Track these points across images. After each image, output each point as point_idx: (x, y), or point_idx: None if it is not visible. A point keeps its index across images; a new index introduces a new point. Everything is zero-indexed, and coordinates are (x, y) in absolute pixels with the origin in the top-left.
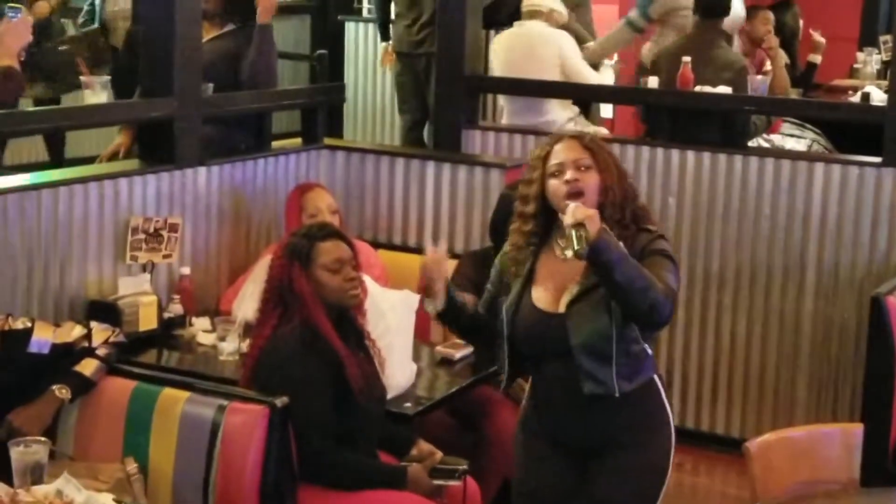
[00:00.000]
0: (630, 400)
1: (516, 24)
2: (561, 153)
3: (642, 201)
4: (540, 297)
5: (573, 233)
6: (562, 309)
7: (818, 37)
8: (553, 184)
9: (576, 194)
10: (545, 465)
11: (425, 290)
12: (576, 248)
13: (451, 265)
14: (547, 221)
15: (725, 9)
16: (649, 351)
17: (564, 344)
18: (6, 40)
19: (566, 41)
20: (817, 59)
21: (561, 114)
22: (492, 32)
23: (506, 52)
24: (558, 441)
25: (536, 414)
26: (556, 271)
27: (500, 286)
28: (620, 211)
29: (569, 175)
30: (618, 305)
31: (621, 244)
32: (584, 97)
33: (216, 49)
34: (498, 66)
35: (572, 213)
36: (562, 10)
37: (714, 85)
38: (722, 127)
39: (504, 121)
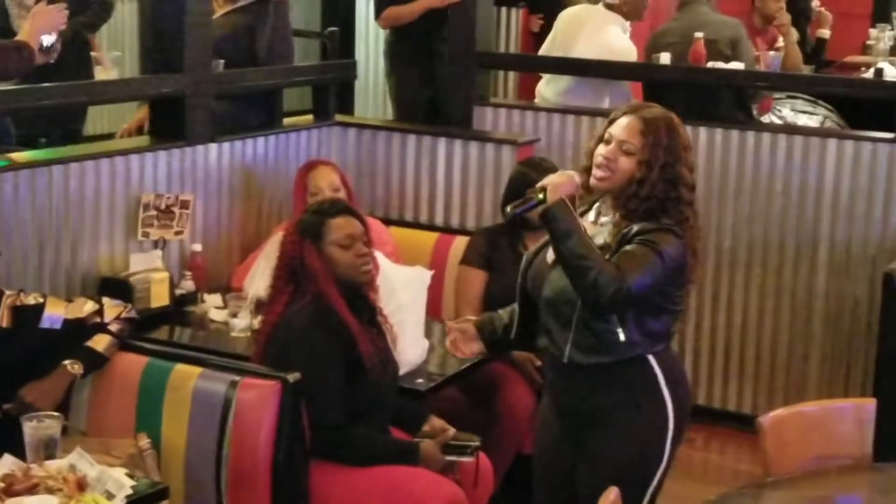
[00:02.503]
0: (611, 372)
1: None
2: (618, 127)
3: (690, 201)
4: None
5: (529, 193)
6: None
7: (823, 10)
8: (598, 148)
9: (602, 168)
10: (549, 429)
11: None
12: (514, 202)
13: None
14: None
15: None
16: (622, 337)
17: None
18: (35, 20)
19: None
20: (826, 33)
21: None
22: (502, 10)
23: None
24: (556, 405)
25: (546, 378)
26: None
27: None
28: (637, 204)
29: (605, 151)
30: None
31: (578, 220)
32: (599, 74)
33: (229, 24)
34: (561, 45)
35: (547, 178)
36: None
37: (717, 46)
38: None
39: (551, 100)
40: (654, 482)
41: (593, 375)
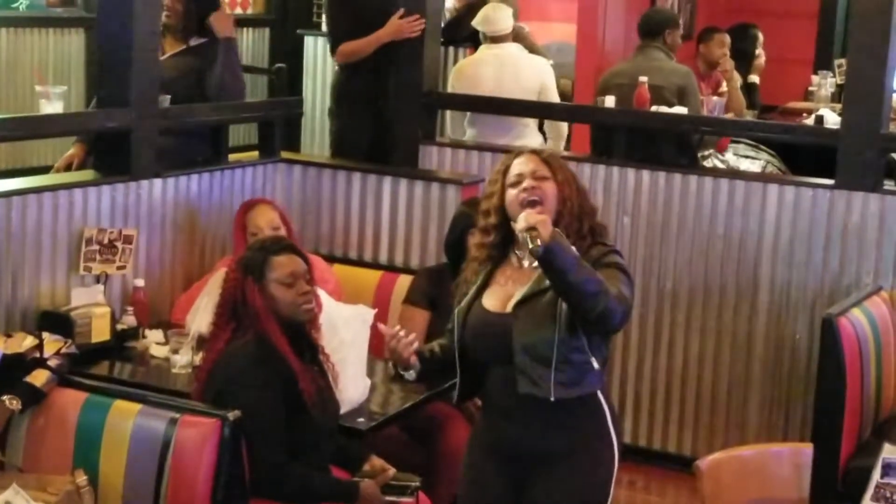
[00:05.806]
0: (568, 411)
1: (488, 46)
2: (520, 165)
3: (600, 219)
4: (490, 300)
5: (526, 236)
6: (508, 310)
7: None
8: (511, 193)
9: (533, 202)
10: (487, 477)
11: (398, 365)
12: (530, 247)
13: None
14: (507, 233)
15: (660, 29)
16: (595, 365)
17: (507, 344)
18: None
19: (547, 71)
20: (756, 78)
21: (533, 140)
22: (450, 50)
23: (494, 72)
24: (500, 451)
25: (484, 424)
26: (510, 279)
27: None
28: (578, 222)
29: (526, 183)
30: (570, 309)
31: (574, 248)
32: (543, 115)
33: (180, 65)
34: (478, 87)
35: (524, 218)
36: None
37: (664, 93)
38: (675, 142)
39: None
40: None
41: (553, 410)
